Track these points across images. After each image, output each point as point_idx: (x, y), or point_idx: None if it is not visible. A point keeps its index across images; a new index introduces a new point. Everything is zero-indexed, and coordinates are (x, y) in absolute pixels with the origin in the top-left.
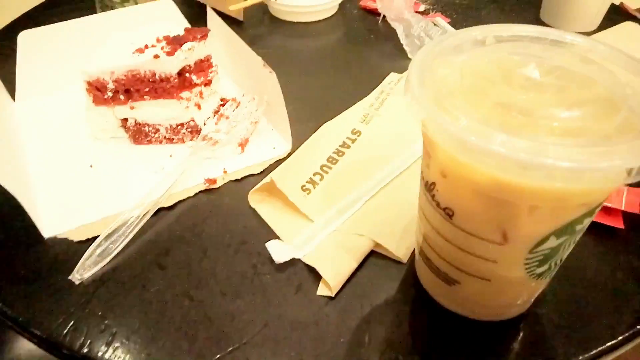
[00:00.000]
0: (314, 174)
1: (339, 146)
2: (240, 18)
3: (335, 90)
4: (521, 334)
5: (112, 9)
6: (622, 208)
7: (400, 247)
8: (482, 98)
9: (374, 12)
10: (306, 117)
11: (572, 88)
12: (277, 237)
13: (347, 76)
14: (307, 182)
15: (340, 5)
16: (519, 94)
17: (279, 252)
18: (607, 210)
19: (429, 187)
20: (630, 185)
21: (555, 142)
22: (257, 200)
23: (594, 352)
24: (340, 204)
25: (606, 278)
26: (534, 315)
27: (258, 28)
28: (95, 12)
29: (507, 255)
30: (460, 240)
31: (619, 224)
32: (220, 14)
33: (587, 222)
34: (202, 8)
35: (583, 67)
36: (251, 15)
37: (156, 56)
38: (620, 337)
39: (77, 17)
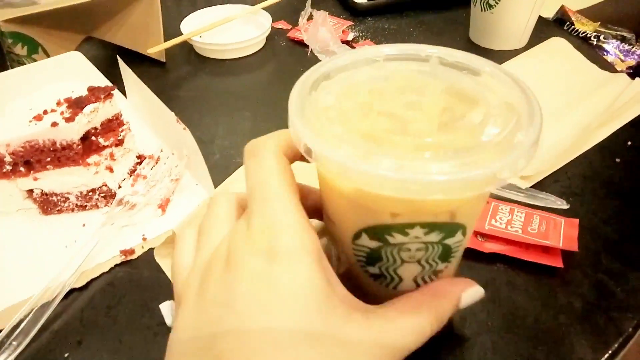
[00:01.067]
0: None
1: None
2: (162, 59)
3: (265, 130)
4: None
5: (18, 63)
6: (560, 246)
7: None
8: (364, 114)
9: (303, 44)
10: (235, 164)
11: (456, 105)
12: None
13: (277, 114)
14: None
15: (268, 37)
16: (400, 110)
17: (172, 314)
18: (545, 250)
19: None
20: (566, 216)
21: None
22: (162, 255)
23: None
24: None
25: (549, 325)
26: None
27: (183, 68)
28: (6, 65)
29: (340, 235)
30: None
31: (557, 263)
32: (143, 55)
33: (401, 239)
34: (121, 51)
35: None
36: (175, 54)
37: (54, 124)
38: None
39: None
